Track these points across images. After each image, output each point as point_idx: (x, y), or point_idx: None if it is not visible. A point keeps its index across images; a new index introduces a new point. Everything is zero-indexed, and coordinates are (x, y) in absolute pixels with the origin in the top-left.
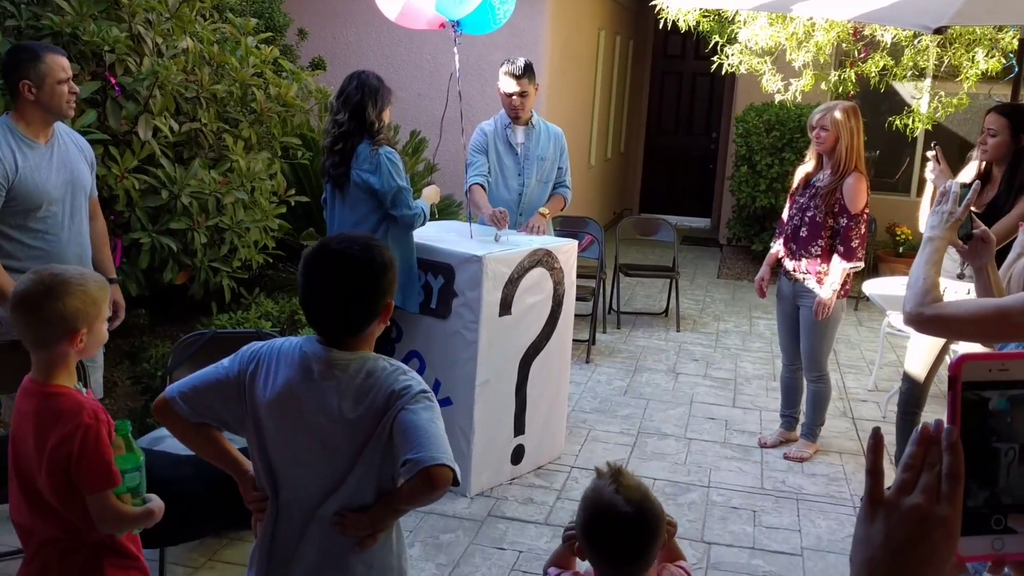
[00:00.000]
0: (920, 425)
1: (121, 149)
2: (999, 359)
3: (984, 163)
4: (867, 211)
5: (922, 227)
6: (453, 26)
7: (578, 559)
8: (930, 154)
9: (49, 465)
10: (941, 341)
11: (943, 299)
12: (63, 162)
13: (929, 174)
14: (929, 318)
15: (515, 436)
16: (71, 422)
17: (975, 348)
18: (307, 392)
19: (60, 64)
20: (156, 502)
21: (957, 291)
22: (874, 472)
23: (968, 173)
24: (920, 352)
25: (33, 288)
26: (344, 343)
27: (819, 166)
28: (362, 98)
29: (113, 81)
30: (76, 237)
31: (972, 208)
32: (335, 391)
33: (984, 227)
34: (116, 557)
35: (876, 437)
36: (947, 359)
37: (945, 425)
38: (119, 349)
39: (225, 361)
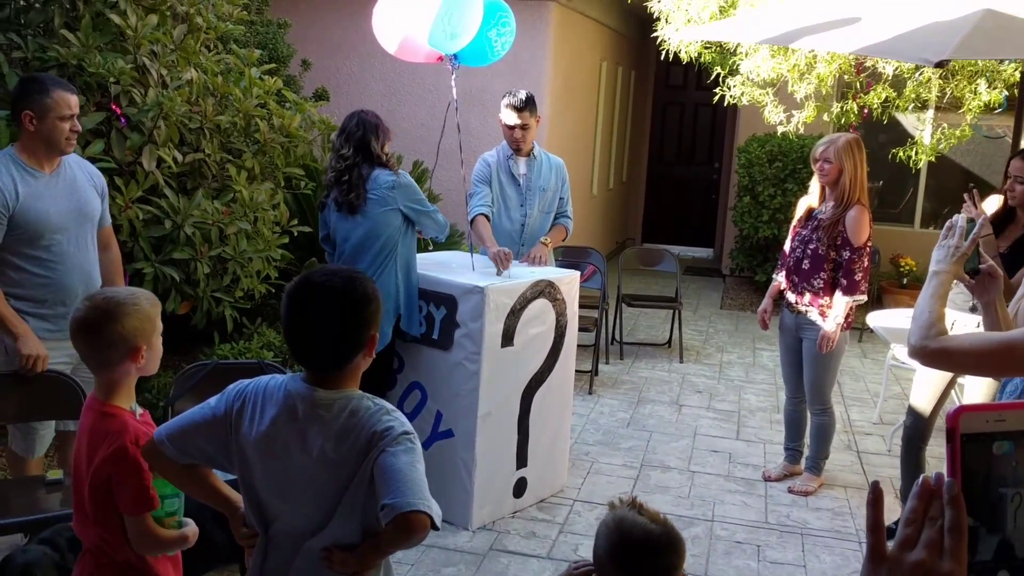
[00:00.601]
0: (920, 478)
1: (125, 179)
2: (995, 410)
3: (1005, 203)
4: (870, 244)
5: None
6: (451, 59)
7: None
8: (966, 195)
9: (92, 481)
10: (947, 375)
11: (948, 332)
12: (69, 191)
13: (962, 220)
14: (934, 351)
15: (517, 469)
16: (115, 443)
17: (981, 383)
18: (292, 432)
19: (66, 101)
20: (191, 527)
21: (967, 324)
22: (875, 528)
23: (991, 205)
24: (926, 386)
25: (90, 313)
26: (329, 379)
27: (822, 198)
28: (364, 133)
29: (118, 112)
30: (82, 265)
31: (980, 243)
32: (318, 431)
33: (991, 262)
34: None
35: (876, 491)
36: (952, 394)
37: (946, 478)
38: None
39: (212, 400)
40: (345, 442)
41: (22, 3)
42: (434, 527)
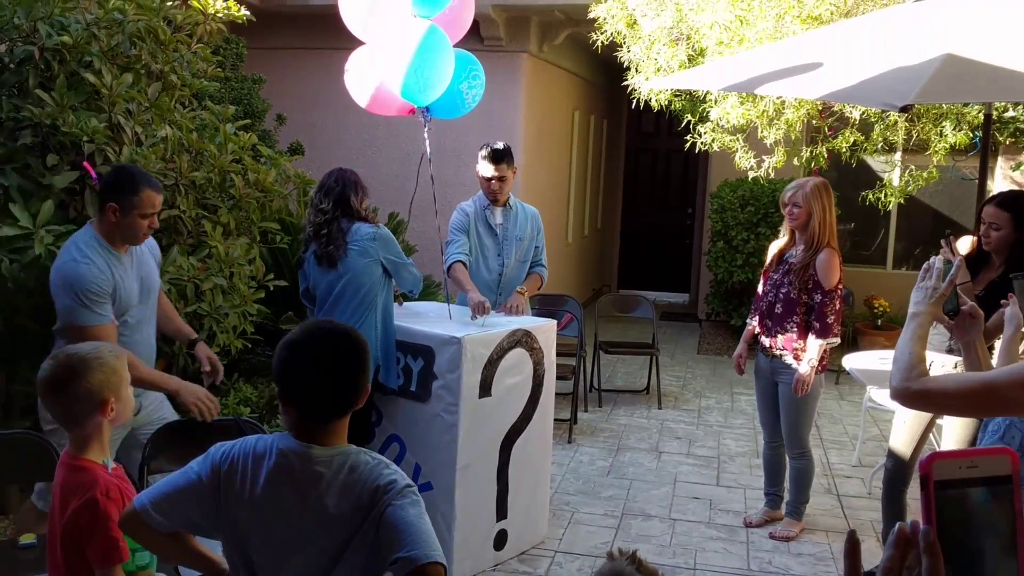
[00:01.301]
0: (896, 526)
1: None
2: (968, 456)
3: (975, 244)
4: (841, 286)
5: None
6: (423, 112)
7: None
8: (943, 242)
9: (63, 535)
10: (926, 417)
11: (929, 374)
12: (139, 268)
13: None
14: (915, 392)
15: (497, 521)
16: (85, 495)
17: (959, 424)
18: (289, 492)
19: (151, 200)
20: None
21: (944, 364)
22: None
23: (963, 247)
24: (905, 429)
25: (56, 371)
26: (322, 434)
27: (792, 241)
28: (343, 188)
29: (91, 171)
30: (148, 334)
31: (958, 285)
32: (318, 489)
33: (972, 303)
34: None
35: (852, 541)
36: (932, 436)
37: (921, 526)
38: None
39: (194, 465)
40: (347, 498)
41: None
42: None
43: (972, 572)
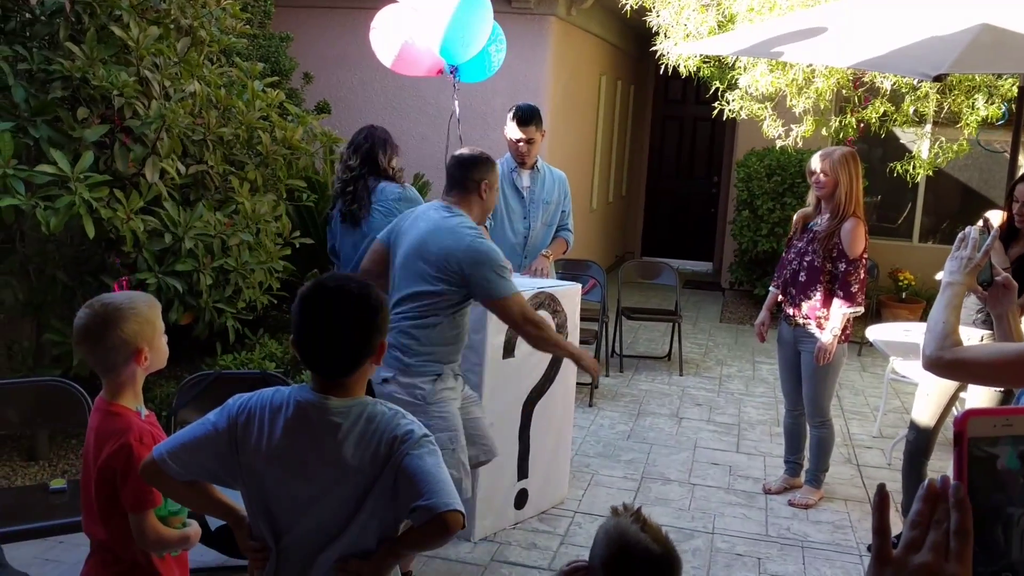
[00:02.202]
0: (927, 481)
1: (128, 191)
2: (1004, 414)
3: (1006, 220)
4: (866, 256)
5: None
6: (452, 71)
7: None
8: (980, 223)
9: (98, 479)
10: (950, 390)
11: (963, 343)
12: None
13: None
14: (949, 362)
15: (519, 480)
16: (119, 441)
17: (983, 396)
18: (306, 442)
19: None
20: (194, 528)
21: (970, 337)
22: (881, 531)
23: (995, 219)
24: (928, 400)
25: (91, 321)
26: (339, 386)
27: (818, 210)
28: (372, 146)
29: (120, 124)
30: None
31: (993, 257)
32: (335, 439)
33: (1006, 274)
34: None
35: (882, 495)
36: (955, 409)
37: (952, 481)
38: None
39: (211, 416)
40: (365, 448)
41: (28, 16)
42: (462, 526)
43: (997, 543)
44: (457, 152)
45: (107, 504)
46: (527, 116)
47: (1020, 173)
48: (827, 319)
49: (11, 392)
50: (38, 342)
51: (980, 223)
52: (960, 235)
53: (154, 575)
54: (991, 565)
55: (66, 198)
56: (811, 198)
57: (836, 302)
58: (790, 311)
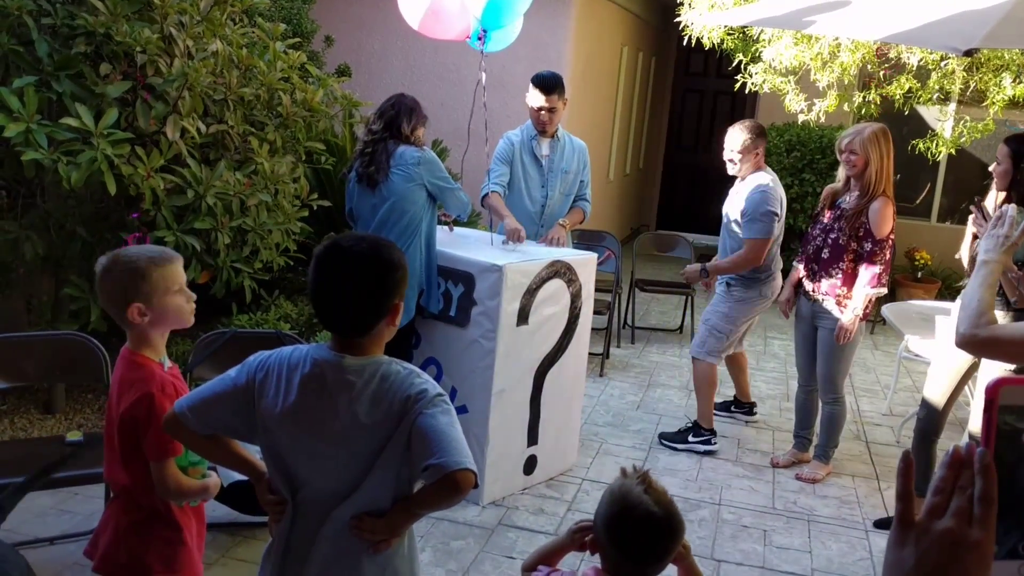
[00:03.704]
0: (951, 447)
1: (148, 148)
2: None
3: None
4: (892, 236)
5: (965, 264)
6: (480, 36)
7: (580, 552)
8: (973, 207)
9: (120, 427)
10: (962, 369)
11: (997, 322)
12: None
13: (971, 226)
14: (983, 340)
15: (528, 446)
16: (142, 390)
17: (995, 375)
18: (322, 399)
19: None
20: (213, 479)
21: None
22: (904, 496)
23: (989, 201)
24: (940, 379)
25: (98, 270)
26: (355, 345)
27: (847, 186)
28: (398, 113)
29: (142, 81)
30: None
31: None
32: (350, 397)
33: None
34: (163, 525)
35: (907, 461)
36: (967, 388)
37: (977, 448)
38: None
39: (232, 372)
40: (378, 407)
41: None
42: (475, 485)
43: (1017, 511)
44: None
45: (129, 451)
46: (550, 84)
47: None
48: (847, 297)
49: (29, 345)
50: (56, 297)
51: (972, 213)
52: (998, 213)
53: (172, 523)
54: (1011, 536)
55: (88, 153)
56: (841, 174)
57: (860, 281)
58: (810, 287)
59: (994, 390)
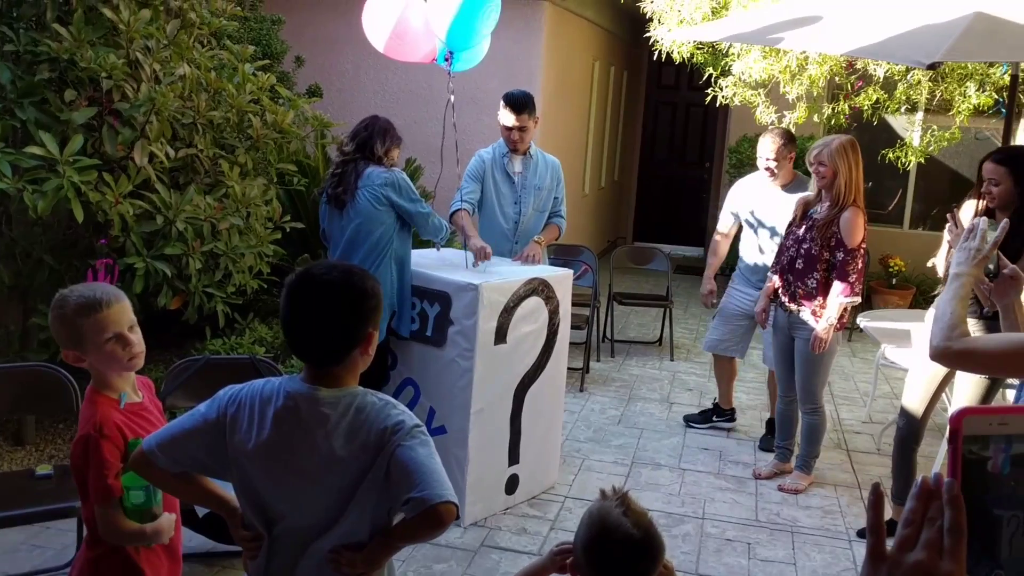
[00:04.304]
0: (919, 479)
1: (116, 174)
2: (999, 413)
3: (986, 205)
4: (864, 246)
5: (940, 272)
6: (447, 58)
7: None
8: (949, 216)
9: (71, 464)
10: (939, 377)
11: (970, 334)
12: None
13: (947, 235)
14: (957, 352)
15: (509, 466)
16: (82, 430)
17: (970, 382)
18: (297, 433)
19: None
20: (154, 525)
21: (971, 329)
22: (875, 529)
23: (968, 212)
24: (918, 387)
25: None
26: (328, 376)
27: (819, 197)
28: (370, 135)
29: (108, 107)
30: None
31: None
32: (325, 430)
33: (1013, 265)
34: (120, 564)
35: (876, 494)
36: (945, 395)
37: (945, 479)
38: None
39: (201, 407)
40: (355, 439)
41: None
42: (457, 517)
43: (987, 550)
44: None
45: (82, 489)
46: (520, 104)
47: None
48: (823, 307)
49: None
50: (24, 326)
51: (948, 220)
52: (968, 225)
53: (129, 562)
54: (982, 567)
55: (54, 181)
56: (813, 185)
57: (834, 291)
58: (785, 298)
59: (958, 419)
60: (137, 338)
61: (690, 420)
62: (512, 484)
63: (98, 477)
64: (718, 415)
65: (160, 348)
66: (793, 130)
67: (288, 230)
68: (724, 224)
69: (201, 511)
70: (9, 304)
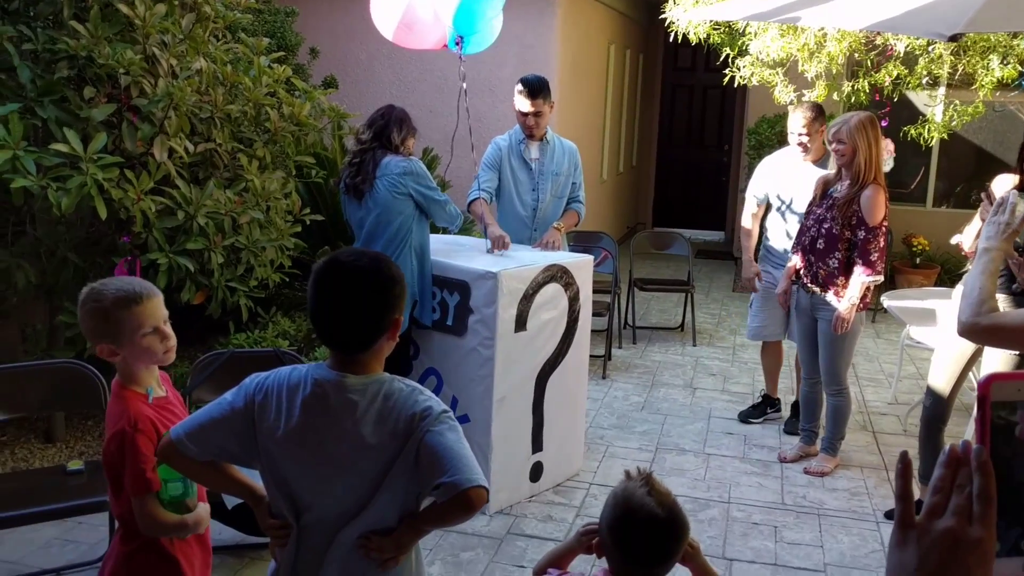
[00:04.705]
0: (947, 446)
1: (137, 171)
2: None
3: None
4: (886, 224)
5: (965, 249)
6: (458, 42)
7: (587, 556)
8: (983, 195)
9: (104, 460)
10: (966, 356)
11: (999, 310)
12: None
13: (981, 212)
14: (986, 328)
15: (533, 453)
16: (117, 425)
17: (1001, 362)
18: (325, 421)
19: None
20: (193, 516)
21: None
22: (904, 497)
23: (1004, 184)
24: (944, 366)
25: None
26: (354, 361)
27: (839, 176)
28: (386, 124)
29: (127, 103)
30: None
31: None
32: (353, 417)
33: None
34: (156, 557)
35: (904, 462)
36: (972, 374)
37: (973, 445)
38: None
39: (228, 396)
40: (384, 426)
41: None
42: (487, 501)
43: (1016, 513)
44: None
45: (115, 484)
46: (535, 89)
47: None
48: (845, 287)
49: (27, 375)
50: (51, 324)
51: (983, 199)
52: (998, 200)
53: (165, 555)
54: (1012, 533)
55: (77, 178)
56: (832, 164)
57: (856, 271)
58: (807, 279)
59: (986, 386)
60: (171, 331)
61: (747, 417)
62: (536, 471)
63: (136, 471)
64: (770, 406)
65: (184, 343)
66: None
67: (308, 223)
68: (752, 204)
69: (231, 503)
70: (35, 303)
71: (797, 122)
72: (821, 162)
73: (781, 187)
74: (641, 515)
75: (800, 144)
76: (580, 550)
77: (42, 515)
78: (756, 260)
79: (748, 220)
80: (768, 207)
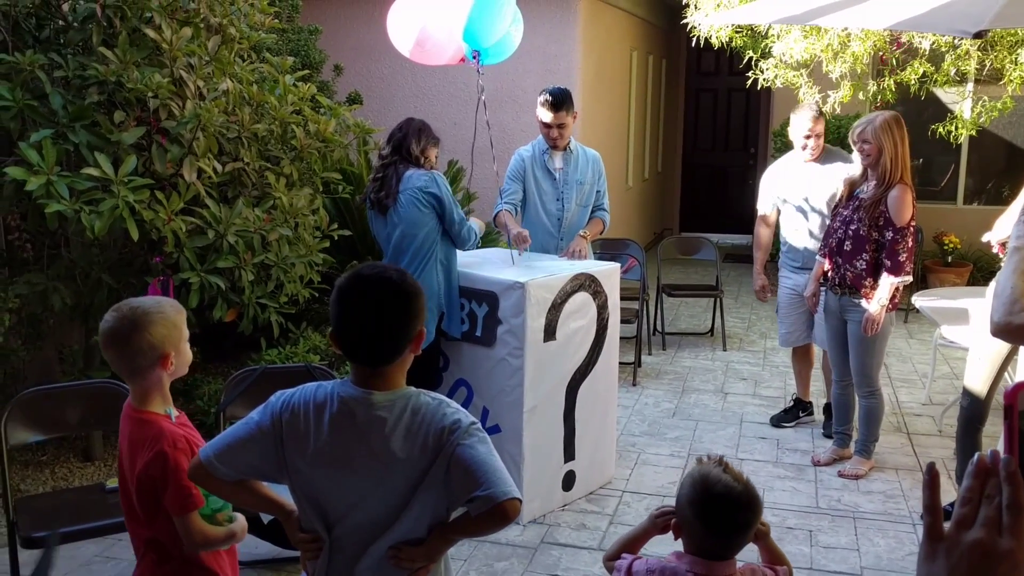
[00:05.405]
0: (976, 456)
1: (167, 192)
2: None
3: None
4: (914, 223)
5: (994, 237)
6: (475, 56)
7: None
8: None
9: (138, 487)
10: (1003, 355)
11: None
12: None
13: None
14: (1019, 327)
15: (565, 462)
16: (152, 449)
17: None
18: (354, 439)
19: None
20: (239, 523)
21: None
22: (932, 509)
23: None
24: (980, 365)
25: (118, 324)
26: (379, 375)
27: (864, 176)
28: (405, 136)
29: (156, 126)
30: None
31: None
32: (382, 434)
33: None
34: (198, 572)
35: (932, 473)
36: (1008, 373)
37: (1002, 455)
38: (172, 387)
39: (255, 415)
40: (413, 441)
41: (61, 23)
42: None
43: None
44: None
45: (151, 509)
46: (558, 101)
47: None
48: (874, 288)
49: (65, 395)
50: (87, 345)
51: None
52: None
53: (205, 570)
54: None
55: (109, 201)
56: (858, 164)
57: (884, 272)
58: (835, 281)
59: (1012, 395)
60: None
61: (779, 421)
62: (569, 480)
63: (180, 490)
64: (803, 410)
65: (217, 360)
66: (838, 109)
67: (336, 238)
68: (764, 212)
69: (266, 517)
70: (71, 324)
71: (804, 124)
72: (823, 159)
73: (790, 191)
74: (719, 488)
75: (804, 147)
76: (655, 531)
77: (83, 533)
78: (777, 266)
79: (759, 230)
80: (780, 214)
